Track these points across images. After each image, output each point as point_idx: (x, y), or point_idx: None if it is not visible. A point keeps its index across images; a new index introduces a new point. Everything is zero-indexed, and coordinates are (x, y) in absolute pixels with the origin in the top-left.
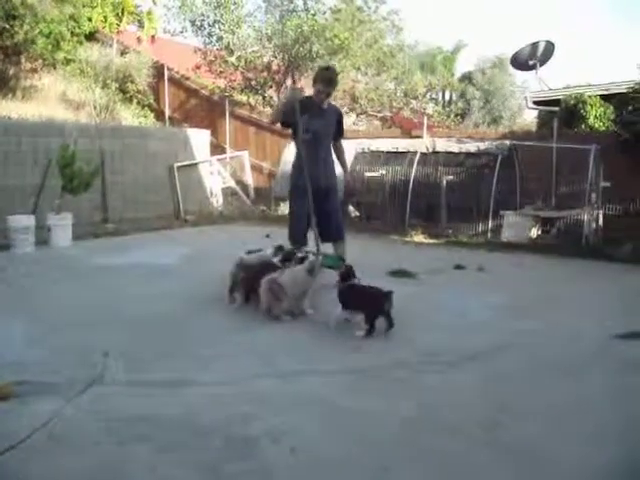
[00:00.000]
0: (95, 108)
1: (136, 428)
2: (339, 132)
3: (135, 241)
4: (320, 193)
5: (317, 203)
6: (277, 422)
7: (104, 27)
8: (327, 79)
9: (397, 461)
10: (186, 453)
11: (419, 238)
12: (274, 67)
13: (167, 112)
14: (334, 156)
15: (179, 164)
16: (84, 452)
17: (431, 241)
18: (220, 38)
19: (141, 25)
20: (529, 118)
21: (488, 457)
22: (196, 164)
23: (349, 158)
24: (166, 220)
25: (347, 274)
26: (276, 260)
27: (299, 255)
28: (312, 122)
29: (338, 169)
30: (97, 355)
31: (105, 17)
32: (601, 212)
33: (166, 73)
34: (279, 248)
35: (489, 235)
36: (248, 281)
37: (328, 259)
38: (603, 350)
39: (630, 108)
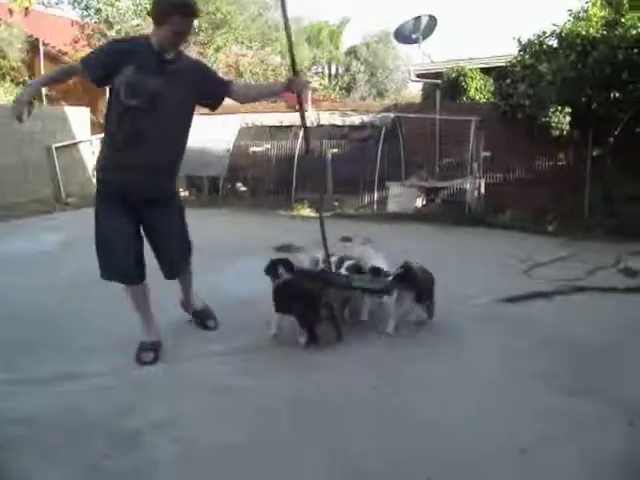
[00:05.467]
0: None
1: (13, 431)
2: (223, 88)
3: (11, 228)
4: (152, 203)
5: (148, 220)
6: (161, 411)
7: None
8: (187, 10)
9: (283, 446)
10: (66, 453)
11: (306, 212)
12: None
13: (44, 90)
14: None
15: (58, 144)
16: None
17: (318, 214)
18: (98, 10)
19: None
20: (414, 90)
21: (375, 435)
22: (76, 144)
23: (234, 132)
24: (46, 204)
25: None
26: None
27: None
28: (145, 80)
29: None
30: None
31: None
32: (483, 181)
33: (42, 48)
34: None
35: (375, 207)
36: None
37: None
38: (488, 314)
39: (508, 81)
